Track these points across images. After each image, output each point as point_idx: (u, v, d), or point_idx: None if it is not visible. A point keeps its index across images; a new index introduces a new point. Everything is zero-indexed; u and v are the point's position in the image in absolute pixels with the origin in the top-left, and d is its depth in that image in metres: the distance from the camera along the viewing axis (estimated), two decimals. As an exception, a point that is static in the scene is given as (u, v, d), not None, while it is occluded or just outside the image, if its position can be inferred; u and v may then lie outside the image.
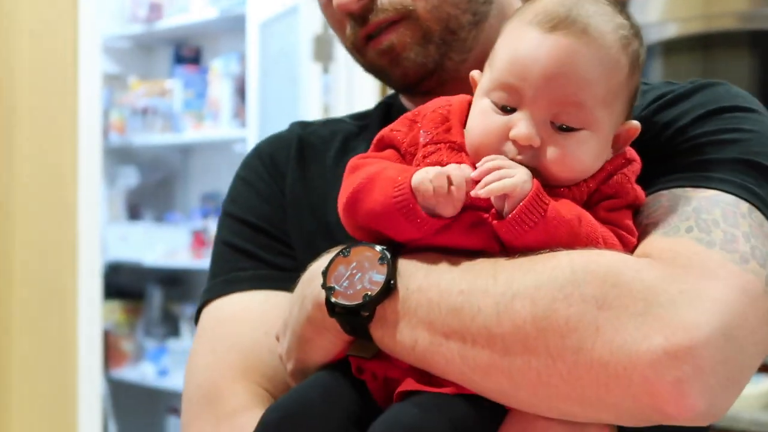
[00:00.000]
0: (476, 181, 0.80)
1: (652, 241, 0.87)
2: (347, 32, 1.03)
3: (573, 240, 0.84)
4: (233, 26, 4.86)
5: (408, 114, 0.95)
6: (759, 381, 2.58)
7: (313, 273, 0.89)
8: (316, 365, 0.90)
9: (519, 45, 0.87)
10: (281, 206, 1.07)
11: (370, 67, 1.07)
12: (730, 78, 2.38)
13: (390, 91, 1.18)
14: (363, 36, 1.01)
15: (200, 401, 1.02)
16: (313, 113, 3.90)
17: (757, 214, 0.88)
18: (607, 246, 0.85)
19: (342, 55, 3.87)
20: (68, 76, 3.34)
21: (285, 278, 1.00)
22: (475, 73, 0.93)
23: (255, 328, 1.01)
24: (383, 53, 1.01)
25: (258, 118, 4.56)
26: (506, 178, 0.80)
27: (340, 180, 0.94)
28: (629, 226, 0.88)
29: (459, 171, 0.81)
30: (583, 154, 0.86)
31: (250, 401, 0.97)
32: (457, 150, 0.87)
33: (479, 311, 0.82)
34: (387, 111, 1.15)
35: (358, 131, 1.14)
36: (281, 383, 0.99)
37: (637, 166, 0.91)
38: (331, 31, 3.35)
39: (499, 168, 0.81)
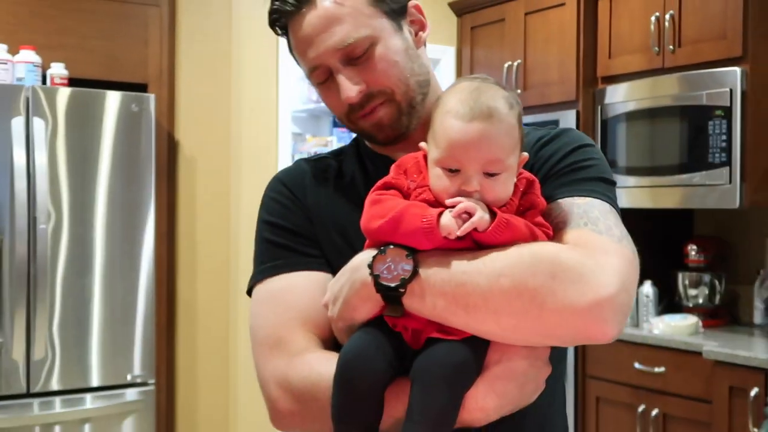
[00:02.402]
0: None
1: (565, 234, 1.09)
2: (345, 110, 1.21)
3: (524, 237, 1.06)
4: None
5: (397, 166, 1.14)
6: (687, 318, 3.47)
7: (359, 264, 1.08)
8: (358, 323, 1.09)
9: (451, 133, 1.06)
10: (308, 217, 1.23)
11: (361, 132, 1.26)
12: (667, 134, 3.49)
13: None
14: (360, 115, 1.19)
15: (271, 346, 1.15)
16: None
17: (614, 211, 1.14)
18: (541, 239, 1.07)
19: None
20: (271, 134, 4.07)
21: (316, 263, 1.20)
22: (423, 144, 1.14)
23: (303, 294, 1.17)
24: (375, 125, 1.20)
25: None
26: (477, 215, 1.03)
27: (341, 202, 1.23)
28: (545, 224, 1.10)
29: (461, 219, 1.03)
30: (505, 187, 1.08)
31: (308, 345, 1.14)
32: None
33: (477, 285, 1.03)
34: (357, 150, 1.32)
35: (339, 165, 1.30)
36: (327, 333, 1.15)
37: (537, 184, 1.12)
38: None
39: (473, 209, 1.03)
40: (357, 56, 1.17)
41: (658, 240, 3.89)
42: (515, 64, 4.18)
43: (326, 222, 1.23)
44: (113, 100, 3.50)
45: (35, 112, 3.34)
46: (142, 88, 3.78)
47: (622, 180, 3.71)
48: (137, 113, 3.57)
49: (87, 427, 3.50)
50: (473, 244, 1.06)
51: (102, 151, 3.51)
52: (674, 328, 3.46)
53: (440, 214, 1.03)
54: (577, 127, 3.83)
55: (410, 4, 1.24)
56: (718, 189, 3.32)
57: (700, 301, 3.74)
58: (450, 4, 4.53)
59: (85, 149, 3.47)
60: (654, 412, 3.42)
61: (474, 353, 1.04)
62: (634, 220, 3.73)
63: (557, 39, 3.95)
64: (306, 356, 1.11)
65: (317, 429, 1.09)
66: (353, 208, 1.18)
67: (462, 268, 1.04)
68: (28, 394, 3.38)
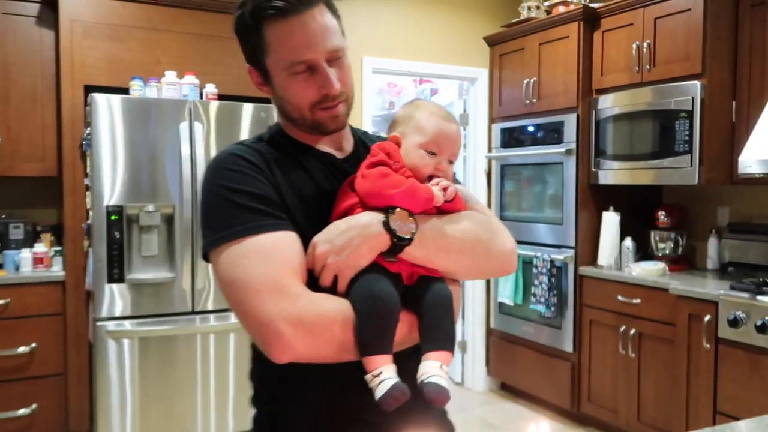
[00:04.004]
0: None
1: (474, 207, 1.12)
2: (316, 99, 1.05)
3: (463, 207, 1.08)
4: None
5: (378, 149, 1.06)
6: (657, 264, 3.47)
7: (369, 222, 0.99)
8: (359, 268, 0.98)
9: (439, 127, 1.05)
10: (275, 187, 1.03)
11: (314, 121, 1.08)
12: (643, 131, 3.51)
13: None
14: (326, 106, 1.06)
15: (271, 291, 0.94)
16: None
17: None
18: (464, 209, 1.09)
19: (474, 123, 4.51)
20: None
21: (290, 225, 1.01)
22: (396, 134, 1.08)
23: (290, 249, 0.99)
24: (332, 117, 1.08)
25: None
26: (450, 188, 1.04)
27: (293, 176, 1.06)
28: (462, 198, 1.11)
29: (443, 192, 1.03)
30: (452, 172, 1.10)
31: (304, 289, 0.96)
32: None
33: (454, 237, 1.04)
34: (279, 138, 1.13)
35: (273, 149, 1.10)
36: (307, 281, 0.98)
37: None
38: (468, 109, 4.30)
39: (448, 185, 1.05)
40: (335, 59, 1.06)
41: (636, 207, 3.89)
42: (531, 80, 4.16)
43: (289, 191, 1.05)
44: (247, 109, 3.56)
45: (195, 118, 3.43)
46: (267, 100, 3.78)
47: (609, 164, 3.72)
48: (264, 118, 3.62)
49: (232, 336, 3.57)
50: (436, 210, 1.05)
51: None
52: (647, 271, 3.47)
53: (432, 188, 1.04)
54: (577, 126, 3.83)
55: None
56: (682, 170, 3.30)
57: (667, 252, 3.74)
58: (484, 38, 4.53)
59: (229, 143, 3.54)
60: (632, 331, 3.44)
61: (447, 287, 1.05)
62: (618, 193, 3.83)
63: (563, 62, 3.93)
64: (308, 297, 0.95)
65: (322, 355, 0.96)
66: (305, 179, 1.08)
67: (443, 226, 1.04)
68: (193, 312, 3.47)
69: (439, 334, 0.97)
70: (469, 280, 0.99)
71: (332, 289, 0.99)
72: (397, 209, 0.99)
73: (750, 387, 2.81)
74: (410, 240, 0.98)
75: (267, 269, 0.95)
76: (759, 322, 2.73)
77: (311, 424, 1.05)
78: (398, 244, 0.98)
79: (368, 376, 0.93)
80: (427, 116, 1.07)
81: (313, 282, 0.99)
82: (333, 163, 1.12)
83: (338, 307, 0.96)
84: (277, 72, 1.06)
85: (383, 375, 0.92)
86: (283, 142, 1.13)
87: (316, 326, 0.94)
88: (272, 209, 1.01)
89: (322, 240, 0.99)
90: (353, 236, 0.97)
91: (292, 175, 1.07)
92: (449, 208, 1.05)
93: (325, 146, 1.14)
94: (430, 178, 1.05)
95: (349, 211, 1.02)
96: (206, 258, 1.04)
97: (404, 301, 0.99)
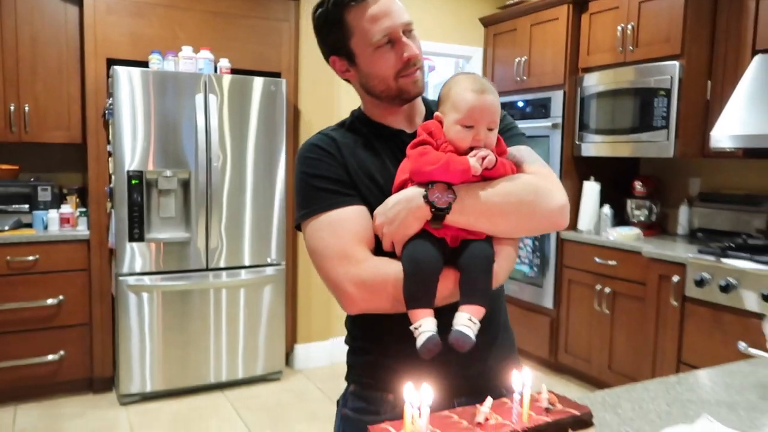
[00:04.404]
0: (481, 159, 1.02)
1: (528, 168, 1.09)
2: (400, 67, 1.09)
3: (508, 172, 1.06)
4: (424, 86, 5.90)
5: (423, 129, 1.07)
6: (632, 229, 3.48)
7: (412, 196, 1.02)
8: (408, 236, 1.02)
9: (471, 102, 1.04)
10: (345, 169, 1.09)
11: (398, 89, 1.11)
12: (625, 107, 3.49)
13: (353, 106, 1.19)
14: (408, 72, 1.10)
15: (340, 258, 1.03)
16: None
17: (533, 150, 1.14)
18: (513, 172, 1.07)
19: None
20: None
21: (357, 201, 1.07)
22: (438, 114, 1.09)
23: (355, 221, 1.05)
24: (413, 82, 1.12)
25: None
26: (489, 158, 1.02)
27: (364, 156, 1.11)
28: (511, 162, 1.09)
29: (481, 161, 1.02)
30: (494, 139, 1.08)
31: (367, 255, 1.04)
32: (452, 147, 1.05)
33: (494, 203, 1.03)
34: (358, 122, 1.18)
35: (351, 132, 1.15)
36: (373, 247, 1.05)
37: (501, 138, 1.10)
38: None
39: (486, 155, 1.03)
40: (408, 32, 1.10)
41: (614, 178, 3.90)
42: (522, 59, 4.13)
43: (358, 171, 1.10)
44: (258, 83, 3.53)
45: (210, 91, 3.40)
46: (277, 75, 3.79)
47: (592, 137, 3.71)
48: (274, 92, 3.59)
49: (242, 291, 3.59)
50: (482, 178, 1.05)
51: (251, 117, 3.54)
52: (623, 236, 3.49)
53: (469, 160, 1.03)
54: (563, 102, 3.82)
55: None
56: (658, 144, 3.30)
57: (642, 218, 3.77)
58: (480, 19, 4.49)
59: (241, 115, 3.50)
60: (607, 290, 3.47)
61: (491, 246, 1.05)
62: (599, 164, 3.83)
63: (552, 42, 3.90)
64: (370, 262, 1.03)
65: (382, 308, 1.02)
66: (373, 160, 1.12)
67: (483, 192, 1.03)
68: (207, 269, 3.49)
69: (472, 289, 1.00)
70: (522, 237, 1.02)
71: (393, 254, 1.04)
72: (437, 183, 1.01)
73: (711, 340, 2.86)
74: (448, 209, 1.00)
75: (336, 239, 1.04)
76: (722, 283, 2.76)
77: (388, 364, 1.11)
78: (438, 213, 1.00)
79: (411, 327, 0.98)
80: (460, 92, 1.06)
81: (380, 248, 1.06)
82: (403, 140, 1.13)
83: (392, 269, 1.01)
84: (362, 50, 1.10)
85: (422, 327, 0.97)
86: (360, 126, 1.17)
87: (374, 285, 1.01)
88: (342, 188, 1.08)
89: (379, 213, 1.05)
90: (400, 209, 1.02)
91: (363, 156, 1.12)
92: (492, 174, 1.04)
93: (398, 122, 1.17)
94: (472, 149, 1.05)
95: (403, 186, 1.06)
96: (299, 229, 1.13)
97: (452, 261, 1.02)
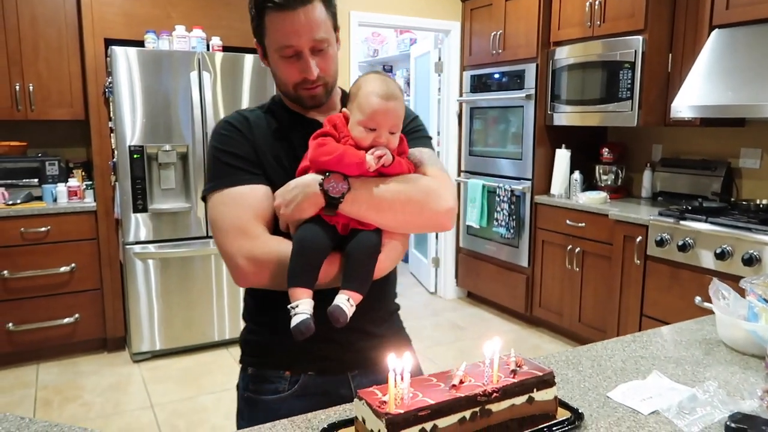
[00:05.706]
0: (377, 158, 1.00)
1: (426, 170, 1.09)
2: (298, 81, 1.07)
3: (405, 171, 1.06)
4: (405, 59, 5.51)
5: (328, 121, 1.05)
6: (600, 193, 3.46)
7: (309, 182, 1.00)
8: (302, 220, 1.01)
9: (375, 106, 1.01)
10: (253, 148, 1.07)
11: (297, 97, 1.11)
12: (593, 79, 3.50)
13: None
14: (306, 88, 1.08)
15: (235, 231, 1.00)
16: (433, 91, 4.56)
17: (435, 154, 1.14)
18: (411, 172, 1.07)
19: (448, 70, 4.43)
20: (345, 74, 3.83)
21: (261, 179, 1.05)
22: (345, 110, 1.06)
23: (255, 199, 1.03)
24: (311, 97, 1.10)
25: (413, 96, 5.12)
26: (385, 156, 1.01)
27: (274, 138, 1.09)
28: (410, 162, 1.09)
29: (377, 159, 1.01)
30: (396, 141, 1.06)
31: (263, 232, 1.02)
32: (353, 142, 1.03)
33: (385, 198, 1.02)
34: (277, 107, 1.16)
35: (267, 115, 1.14)
36: (271, 225, 1.04)
37: (405, 140, 1.10)
38: (442, 58, 4.20)
39: (384, 153, 1.02)
40: (319, 50, 1.06)
41: (584, 144, 3.91)
42: (498, 33, 4.09)
43: (266, 153, 1.08)
44: (249, 60, 3.48)
45: (203, 68, 3.36)
46: None
47: (563, 108, 3.71)
48: (264, 69, 3.45)
49: None
50: (378, 174, 1.03)
51: (243, 92, 3.49)
52: (591, 199, 3.51)
53: (365, 155, 1.01)
54: (536, 74, 3.81)
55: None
56: (624, 114, 3.31)
57: (609, 183, 3.80)
58: (458, -6, 4.42)
59: (233, 91, 3.46)
60: (577, 250, 3.51)
61: (379, 238, 1.04)
62: (569, 132, 3.84)
63: (525, 17, 3.86)
64: (263, 238, 1.01)
65: (272, 284, 1.01)
66: (283, 144, 1.10)
67: (376, 187, 1.02)
68: (207, 237, 3.49)
69: (353, 275, 0.99)
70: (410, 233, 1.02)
71: (290, 235, 1.03)
72: (335, 173, 1.00)
73: (671, 294, 2.93)
74: (341, 199, 0.99)
75: (236, 214, 1.02)
76: (680, 242, 2.82)
77: (283, 341, 1.06)
78: (331, 201, 0.99)
79: (289, 306, 0.96)
80: (367, 95, 1.03)
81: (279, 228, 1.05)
82: (315, 129, 1.10)
83: (283, 248, 0.99)
84: (271, 52, 1.09)
85: (299, 308, 0.95)
86: (277, 110, 1.15)
87: (264, 261, 0.99)
88: (248, 167, 1.06)
89: (278, 194, 1.03)
90: (297, 193, 1.00)
91: (273, 139, 1.10)
92: (389, 171, 1.03)
93: (314, 114, 1.15)
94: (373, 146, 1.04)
95: (305, 172, 1.04)
96: (204, 200, 1.10)
97: (341, 248, 1.02)
